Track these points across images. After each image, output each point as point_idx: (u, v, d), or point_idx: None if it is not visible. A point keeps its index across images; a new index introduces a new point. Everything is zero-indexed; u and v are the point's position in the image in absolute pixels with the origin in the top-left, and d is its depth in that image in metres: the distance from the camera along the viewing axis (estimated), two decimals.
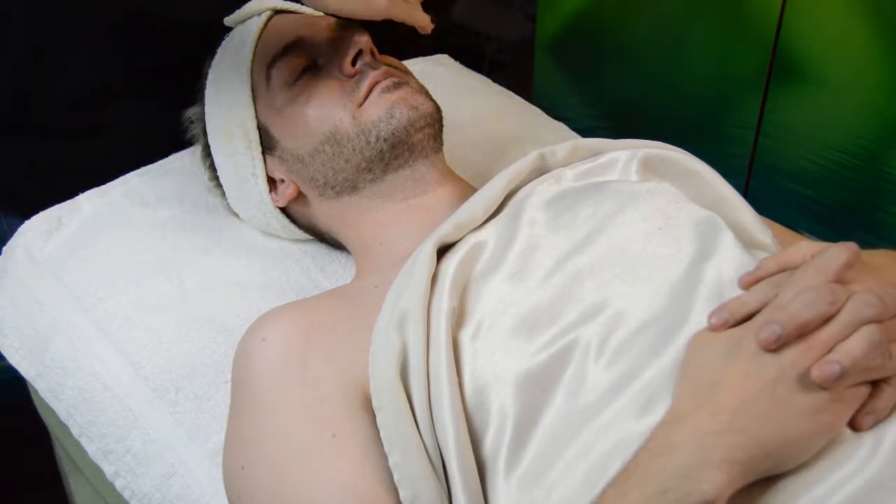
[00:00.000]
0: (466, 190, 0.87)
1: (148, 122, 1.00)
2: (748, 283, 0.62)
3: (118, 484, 0.86)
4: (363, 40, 0.86)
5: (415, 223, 0.84)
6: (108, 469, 0.87)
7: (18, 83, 0.97)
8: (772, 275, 0.62)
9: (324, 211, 0.89)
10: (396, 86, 0.84)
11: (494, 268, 0.72)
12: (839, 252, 0.59)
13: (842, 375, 0.54)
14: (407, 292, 0.69)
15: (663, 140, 0.84)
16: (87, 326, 0.90)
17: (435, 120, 0.85)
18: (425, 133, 0.84)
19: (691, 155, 0.82)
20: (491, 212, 0.78)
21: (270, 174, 0.90)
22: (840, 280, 0.58)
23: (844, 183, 1.52)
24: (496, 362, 0.66)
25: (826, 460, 0.56)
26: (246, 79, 0.88)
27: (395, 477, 0.64)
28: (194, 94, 0.95)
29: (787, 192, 1.59)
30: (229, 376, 0.80)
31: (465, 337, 0.68)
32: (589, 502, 0.59)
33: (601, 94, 1.77)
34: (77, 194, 1.01)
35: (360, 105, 0.83)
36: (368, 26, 0.86)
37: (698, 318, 0.64)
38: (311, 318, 0.73)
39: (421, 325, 0.67)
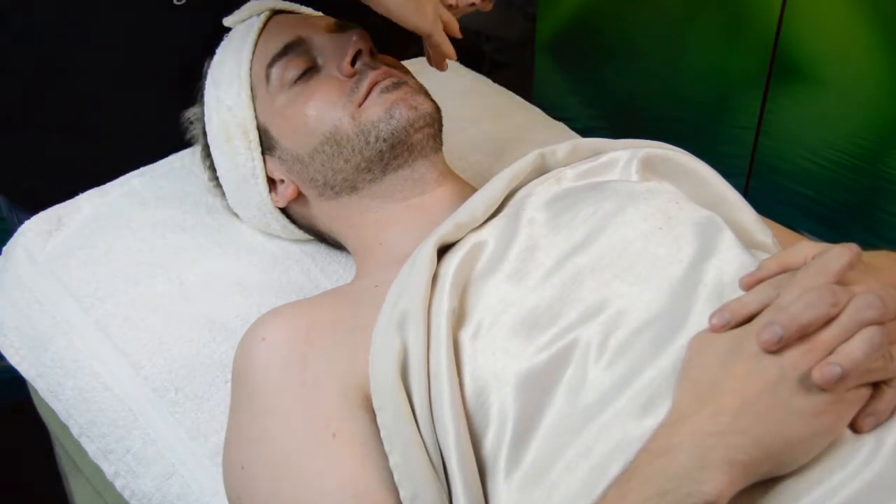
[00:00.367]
0: (466, 190, 0.87)
1: (148, 122, 1.00)
2: (749, 283, 0.62)
3: (118, 484, 0.86)
4: (363, 40, 0.86)
5: (414, 223, 0.83)
6: (107, 469, 0.87)
7: (27, 81, 0.97)
8: (773, 276, 0.62)
9: (323, 211, 0.89)
10: (396, 86, 0.84)
11: (494, 268, 0.72)
12: (840, 253, 0.59)
13: (843, 377, 0.54)
14: (407, 292, 0.69)
15: (663, 140, 0.84)
16: (87, 326, 0.90)
17: (434, 120, 0.85)
18: (425, 133, 0.84)
19: (691, 155, 0.82)
20: (491, 212, 0.77)
21: (270, 174, 0.90)
22: (841, 281, 0.58)
23: (844, 183, 1.52)
24: (496, 362, 0.66)
25: (827, 462, 0.56)
26: (245, 79, 0.88)
27: (396, 477, 0.64)
28: (194, 94, 0.95)
29: (787, 192, 1.59)
30: (229, 376, 0.80)
31: (466, 337, 0.68)
32: (589, 503, 0.59)
33: (601, 94, 1.77)
34: (77, 194, 1.01)
35: (360, 105, 0.83)
36: (368, 26, 0.87)
37: (698, 319, 0.64)
38: (310, 318, 0.73)
39: (421, 325, 0.67)
